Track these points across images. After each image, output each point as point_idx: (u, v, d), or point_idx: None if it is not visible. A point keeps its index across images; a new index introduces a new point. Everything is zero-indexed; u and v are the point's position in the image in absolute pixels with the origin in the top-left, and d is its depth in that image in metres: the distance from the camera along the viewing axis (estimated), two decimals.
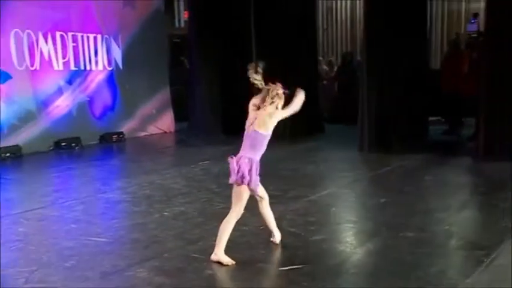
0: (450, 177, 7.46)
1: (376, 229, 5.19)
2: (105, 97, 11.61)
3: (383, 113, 9.20)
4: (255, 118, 4.35)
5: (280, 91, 4.36)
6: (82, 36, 11.08)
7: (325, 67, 15.02)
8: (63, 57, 10.74)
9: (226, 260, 4.31)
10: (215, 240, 4.37)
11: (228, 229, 4.37)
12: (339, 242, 4.89)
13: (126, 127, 11.93)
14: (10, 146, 9.75)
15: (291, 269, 4.23)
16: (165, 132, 12.85)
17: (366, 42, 9.41)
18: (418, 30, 10.18)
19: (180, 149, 11.24)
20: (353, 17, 17.10)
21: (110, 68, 11.72)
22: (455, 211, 5.84)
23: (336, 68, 14.73)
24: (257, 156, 4.39)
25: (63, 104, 10.77)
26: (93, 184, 7.54)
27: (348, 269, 4.25)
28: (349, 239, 5.01)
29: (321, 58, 15.14)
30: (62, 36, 10.69)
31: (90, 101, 11.30)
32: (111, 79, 11.73)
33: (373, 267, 4.33)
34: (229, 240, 4.42)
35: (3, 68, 9.81)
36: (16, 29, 9.98)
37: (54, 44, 10.56)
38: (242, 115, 11.12)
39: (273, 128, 4.38)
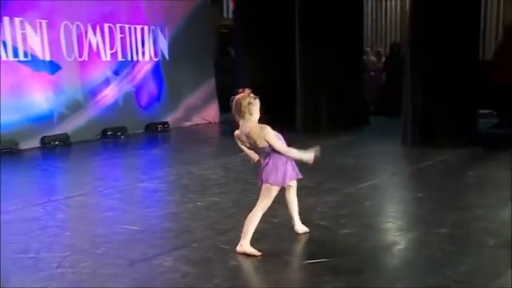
0: (495, 173, 7.18)
1: (409, 224, 5.10)
2: (151, 87, 11.82)
3: (428, 105, 8.96)
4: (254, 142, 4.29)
5: (247, 100, 4.27)
6: (129, 28, 11.31)
7: (372, 58, 14.78)
8: (111, 48, 11.00)
9: (252, 251, 4.33)
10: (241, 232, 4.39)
11: (254, 221, 4.39)
12: (369, 236, 4.80)
13: (171, 117, 12.13)
14: (59, 135, 10.09)
15: (315, 262, 4.21)
16: (210, 122, 12.98)
17: (410, 30, 9.16)
18: (469, 18, 9.82)
19: (223, 140, 11.30)
20: (403, 6, 16.72)
21: (156, 59, 11.92)
22: (496, 208, 5.62)
23: (383, 59, 14.46)
24: (281, 154, 4.35)
25: (110, 94, 11.05)
26: (133, 173, 7.71)
27: (374, 264, 4.17)
28: (379, 234, 4.92)
29: (368, 49, 14.91)
30: (110, 27, 10.95)
31: (137, 91, 11.53)
32: (157, 70, 11.93)
33: (400, 263, 4.26)
34: (258, 232, 4.45)
35: (53, 59, 10.14)
36: (66, 21, 10.28)
37: (102, 35, 10.83)
38: (284, 106, 11.21)
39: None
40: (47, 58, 10.08)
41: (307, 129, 10.62)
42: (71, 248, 4.63)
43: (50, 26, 10.04)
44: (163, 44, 12.02)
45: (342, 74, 11.02)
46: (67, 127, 10.29)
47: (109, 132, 10.77)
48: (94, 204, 6.10)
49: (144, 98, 11.70)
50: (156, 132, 11.60)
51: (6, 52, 9.58)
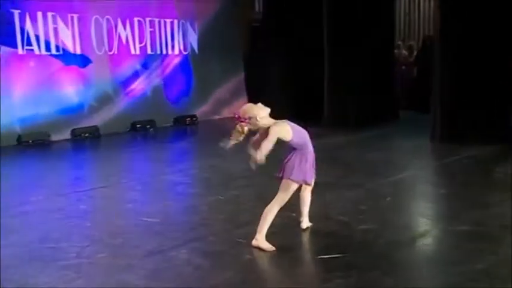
0: None
1: (428, 221, 5.03)
2: (180, 81, 11.92)
3: (457, 101, 8.79)
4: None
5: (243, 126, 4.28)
6: (159, 22, 11.42)
7: (404, 52, 14.54)
8: (140, 42, 11.13)
9: (267, 246, 4.34)
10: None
11: (269, 216, 4.40)
12: (385, 233, 4.75)
13: (199, 110, 12.21)
14: (89, 127, 10.29)
15: (329, 257, 4.19)
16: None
17: (439, 25, 8.99)
18: (501, 12, 9.57)
19: (250, 134, 11.33)
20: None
21: (186, 53, 12.00)
22: None
23: (415, 53, 14.22)
24: (303, 151, 4.34)
25: (139, 87, 11.18)
26: (158, 166, 7.81)
27: (388, 261, 4.13)
28: (396, 231, 4.84)
29: (400, 43, 14.69)
30: (139, 21, 11.08)
31: (165, 85, 11.64)
32: (186, 63, 12.02)
33: (415, 260, 4.21)
34: (275, 226, 4.46)
35: (84, 53, 10.32)
36: (96, 16, 10.45)
37: (132, 29, 10.96)
38: (312, 100, 11.15)
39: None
40: (78, 52, 10.26)
41: (334, 124, 10.56)
42: (90, 239, 4.72)
43: (81, 20, 10.23)
44: (193, 38, 12.10)
45: (372, 68, 10.90)
46: (97, 119, 10.47)
47: (138, 125, 10.91)
48: (116, 196, 6.20)
49: (173, 92, 11.80)
50: (184, 126, 11.70)
51: (39, 46, 9.80)
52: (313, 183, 4.68)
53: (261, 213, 4.43)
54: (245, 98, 13.14)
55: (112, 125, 10.64)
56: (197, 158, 8.27)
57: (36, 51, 9.79)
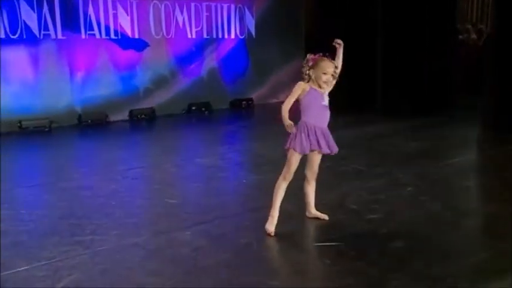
0: None
1: (436, 214, 4.92)
2: (236, 64, 12.11)
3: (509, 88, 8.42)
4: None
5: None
6: (216, 6, 11.64)
7: (474, 36, 13.95)
8: (197, 26, 11.40)
9: (267, 228, 4.45)
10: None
11: (279, 193, 4.51)
12: (390, 223, 4.72)
13: (256, 93, 12.37)
14: (145, 108, 10.73)
15: (326, 245, 4.26)
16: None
17: (494, 12, 8.61)
18: None
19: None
20: None
21: (242, 37, 12.16)
22: None
23: (485, 37, 13.60)
24: (307, 121, 4.43)
25: (195, 71, 11.49)
26: (197, 148, 8.08)
27: (381, 251, 4.13)
28: (404, 221, 4.79)
29: (469, 26, 14.11)
30: (196, 6, 11.35)
31: (221, 68, 11.88)
32: (242, 47, 12.19)
33: (408, 252, 4.14)
34: (286, 213, 4.54)
35: (141, 37, 10.74)
36: (155, 1, 10.81)
37: (189, 13, 11.25)
38: (364, 87, 11.00)
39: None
40: (136, 36, 10.69)
41: (387, 110, 10.40)
42: (109, 217, 5.02)
43: (139, 5, 10.64)
44: (250, 22, 12.24)
45: (429, 53, 10.59)
46: (153, 101, 10.89)
47: (193, 107, 11.24)
48: (148, 177, 6.52)
49: (229, 75, 12.03)
50: (240, 109, 11.91)
51: (100, 31, 10.31)
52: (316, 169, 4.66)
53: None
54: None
55: (168, 106, 11.04)
56: (238, 141, 8.45)
57: (97, 36, 10.30)
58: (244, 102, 12.02)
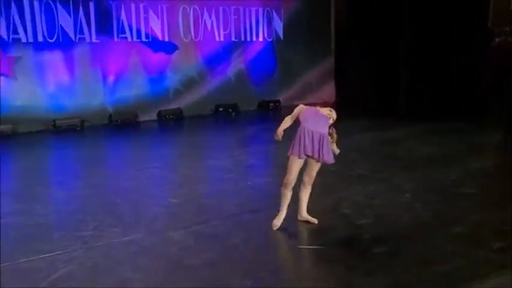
0: None
1: (430, 220, 5.02)
2: (264, 67, 12.35)
3: None
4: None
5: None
6: (244, 10, 11.91)
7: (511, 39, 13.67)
8: (225, 29, 11.70)
9: (274, 224, 4.77)
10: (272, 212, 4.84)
11: (282, 195, 4.80)
12: (379, 228, 4.83)
13: (283, 95, 12.57)
14: (173, 109, 11.11)
15: (309, 248, 4.45)
16: (325, 102, 13.16)
17: None
18: None
19: None
20: None
21: (270, 39, 12.39)
22: None
23: None
24: (304, 128, 4.66)
25: (223, 73, 11.80)
26: (214, 149, 8.36)
27: (365, 256, 4.25)
28: (391, 227, 4.88)
29: (507, 29, 13.82)
30: (224, 10, 11.66)
31: (249, 70, 12.15)
32: (270, 49, 12.42)
33: (392, 257, 4.26)
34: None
35: (171, 40, 11.13)
36: (184, 5, 11.18)
37: (217, 17, 11.56)
38: (389, 89, 11.01)
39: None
40: (166, 39, 11.08)
41: (410, 113, 10.42)
42: (113, 215, 5.33)
43: (169, 9, 11.02)
44: (278, 25, 12.45)
45: (457, 49, 10.51)
46: (181, 102, 11.27)
47: (220, 109, 11.55)
48: (160, 177, 6.83)
49: (257, 77, 12.28)
50: (267, 110, 12.14)
51: (131, 34, 10.75)
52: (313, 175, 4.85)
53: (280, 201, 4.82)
54: (333, 84, 13.30)
55: (195, 107, 11.40)
56: (254, 143, 8.67)
57: (129, 39, 10.74)
58: (271, 104, 12.24)
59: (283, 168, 6.81)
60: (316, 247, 4.46)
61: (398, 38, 10.92)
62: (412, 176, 6.46)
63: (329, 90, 13.27)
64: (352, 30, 12.53)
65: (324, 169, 6.71)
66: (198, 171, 7.10)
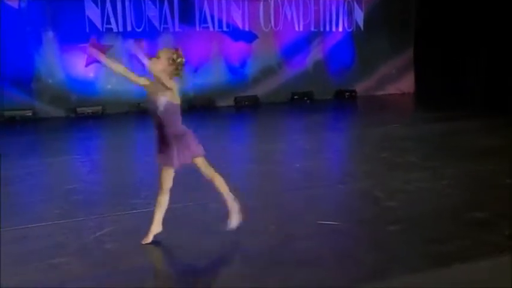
0: None
1: (454, 207, 5.11)
2: (342, 56, 12.54)
3: None
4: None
5: None
6: (324, 0, 12.15)
7: None
8: (304, 20, 12.03)
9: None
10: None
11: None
12: (399, 211, 5.01)
13: (361, 85, 12.70)
14: (249, 96, 11.64)
15: (325, 223, 4.78)
16: (404, 93, 13.14)
17: None
18: None
19: (392, 110, 11.46)
20: None
21: (350, 30, 12.54)
22: None
23: None
24: None
25: (301, 62, 12.15)
26: (271, 134, 8.81)
27: (376, 235, 4.50)
28: (412, 211, 5.00)
29: None
30: (304, 0, 11.96)
31: (327, 60, 12.39)
32: (349, 40, 12.57)
33: (401, 236, 4.48)
34: None
35: (251, 30, 11.65)
36: None
37: (298, 8, 11.91)
38: (469, 82, 10.80)
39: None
40: (246, 28, 11.61)
41: (488, 107, 10.24)
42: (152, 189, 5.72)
43: (251, 0, 11.53)
44: (359, 15, 12.56)
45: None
46: (258, 90, 11.77)
47: (295, 97, 11.92)
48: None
49: (334, 66, 12.49)
50: (343, 99, 12.34)
51: (213, 24, 11.40)
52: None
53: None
54: (412, 75, 13.20)
55: (272, 95, 11.85)
56: (313, 131, 9.04)
57: (210, 28, 11.39)
58: (347, 94, 12.41)
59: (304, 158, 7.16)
60: (333, 223, 4.75)
61: (479, 30, 10.68)
62: (458, 166, 6.49)
63: (408, 81, 13.19)
64: (432, 21, 12.38)
65: (375, 156, 7.03)
66: (220, 160, 7.55)
